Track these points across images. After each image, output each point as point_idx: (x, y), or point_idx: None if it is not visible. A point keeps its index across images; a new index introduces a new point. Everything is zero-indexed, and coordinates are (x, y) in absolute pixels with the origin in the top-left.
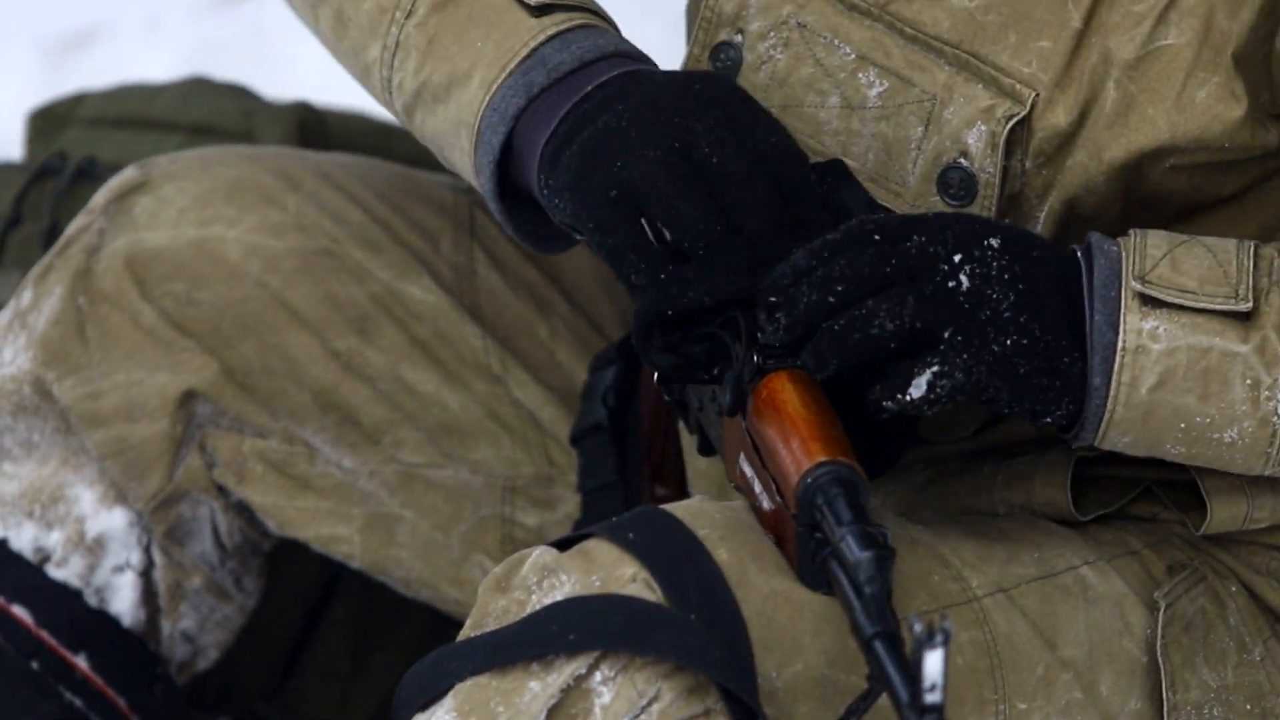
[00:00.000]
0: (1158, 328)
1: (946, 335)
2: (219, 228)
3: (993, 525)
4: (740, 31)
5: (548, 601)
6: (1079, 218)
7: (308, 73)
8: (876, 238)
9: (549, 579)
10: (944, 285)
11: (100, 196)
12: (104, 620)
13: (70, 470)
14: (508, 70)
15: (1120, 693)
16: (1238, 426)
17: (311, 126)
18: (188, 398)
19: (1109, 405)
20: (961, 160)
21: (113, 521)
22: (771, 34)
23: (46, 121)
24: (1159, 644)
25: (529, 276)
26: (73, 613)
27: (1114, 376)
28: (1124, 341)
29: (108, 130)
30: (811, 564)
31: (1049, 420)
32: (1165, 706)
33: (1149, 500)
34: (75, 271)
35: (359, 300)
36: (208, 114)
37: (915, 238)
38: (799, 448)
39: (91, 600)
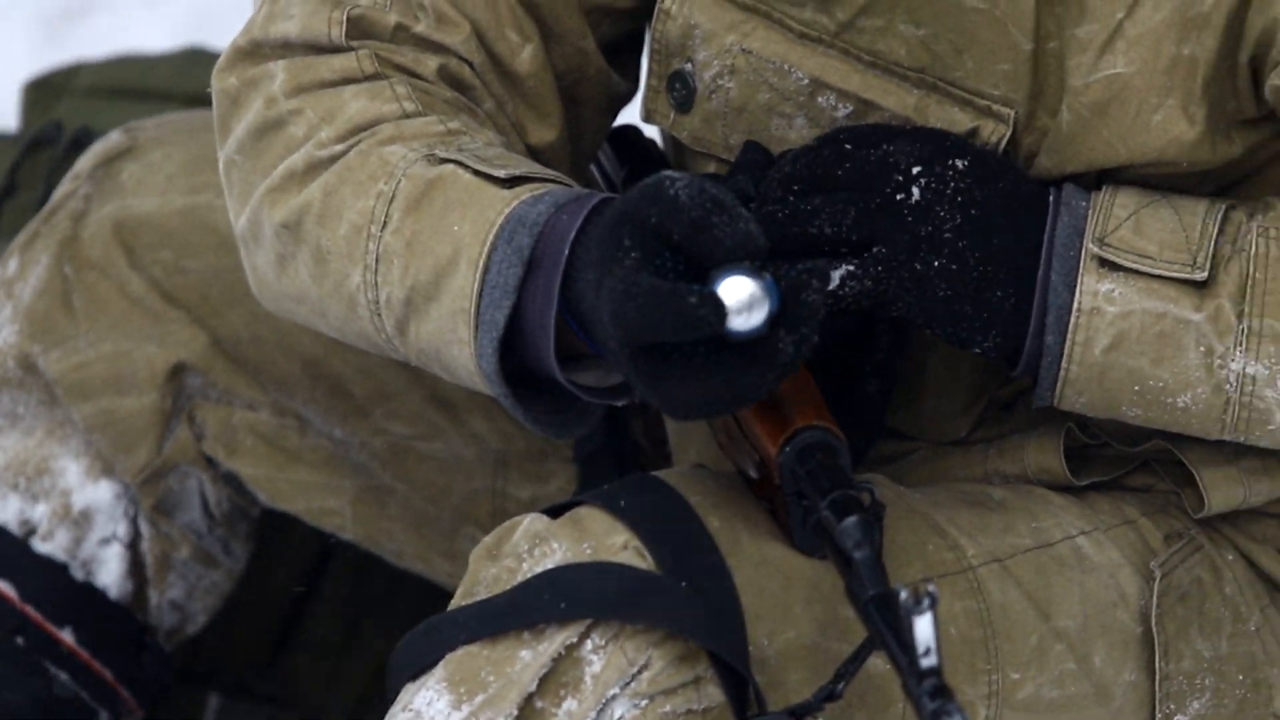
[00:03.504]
0: (1113, 290)
1: (875, 248)
2: (208, 195)
3: (989, 495)
4: (690, 59)
5: (539, 570)
6: None
7: None
8: (847, 146)
9: (540, 547)
10: (892, 197)
11: (86, 162)
12: (91, 593)
13: (56, 442)
14: (489, 243)
15: (1114, 664)
16: (1191, 392)
17: None
18: (177, 370)
19: (1063, 364)
20: None
21: (99, 494)
22: (716, 62)
23: (42, 92)
24: (1154, 614)
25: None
26: (59, 586)
27: (1068, 335)
28: (1079, 302)
29: (104, 100)
30: (803, 530)
31: (977, 350)
32: (1157, 676)
33: (1145, 472)
34: (62, 239)
35: None
36: (205, 84)
37: (884, 146)
38: (775, 416)
39: (78, 573)
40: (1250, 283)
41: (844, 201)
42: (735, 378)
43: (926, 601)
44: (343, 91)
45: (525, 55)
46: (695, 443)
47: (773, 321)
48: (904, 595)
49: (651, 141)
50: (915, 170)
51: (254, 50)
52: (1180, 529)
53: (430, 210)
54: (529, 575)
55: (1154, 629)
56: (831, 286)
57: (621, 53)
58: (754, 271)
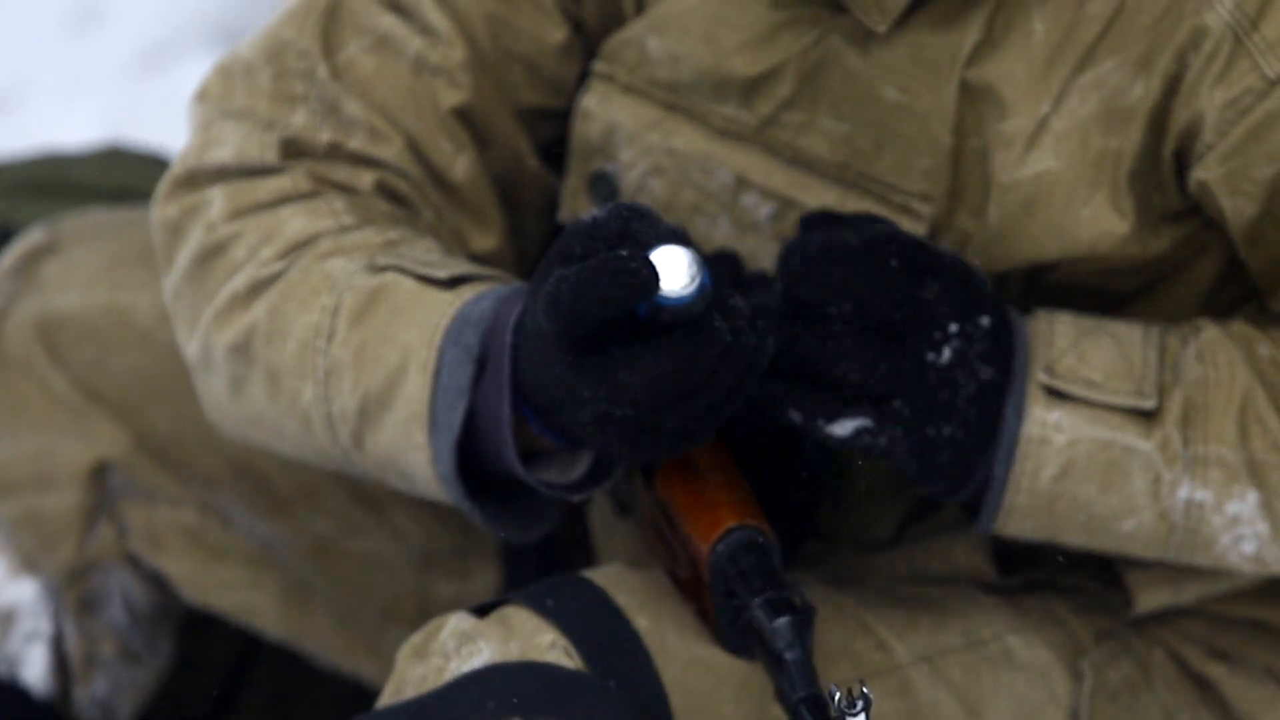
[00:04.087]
0: (1061, 420)
1: (896, 404)
2: (131, 292)
3: (919, 593)
4: (613, 159)
5: (466, 669)
6: None
7: None
8: (894, 263)
9: (467, 645)
10: (923, 355)
11: (7, 259)
12: (14, 691)
13: None
14: (437, 345)
15: None
16: (1137, 518)
17: None
18: (100, 468)
19: (1008, 494)
20: None
21: (23, 592)
22: (641, 162)
23: None
24: (1084, 713)
25: None
26: None
27: (1015, 465)
28: (1028, 432)
29: (25, 197)
30: (732, 630)
31: (949, 499)
32: None
33: (1074, 572)
34: None
35: None
36: (126, 180)
37: (929, 285)
38: (706, 514)
39: (2, 671)
40: (1191, 409)
41: (877, 355)
42: (678, 361)
43: (860, 703)
44: (280, 211)
45: (460, 164)
46: (620, 542)
47: (706, 304)
48: (837, 696)
49: None
50: (952, 329)
51: (190, 179)
52: (1110, 628)
53: (375, 319)
54: (457, 674)
55: None
56: (844, 434)
57: (557, 155)
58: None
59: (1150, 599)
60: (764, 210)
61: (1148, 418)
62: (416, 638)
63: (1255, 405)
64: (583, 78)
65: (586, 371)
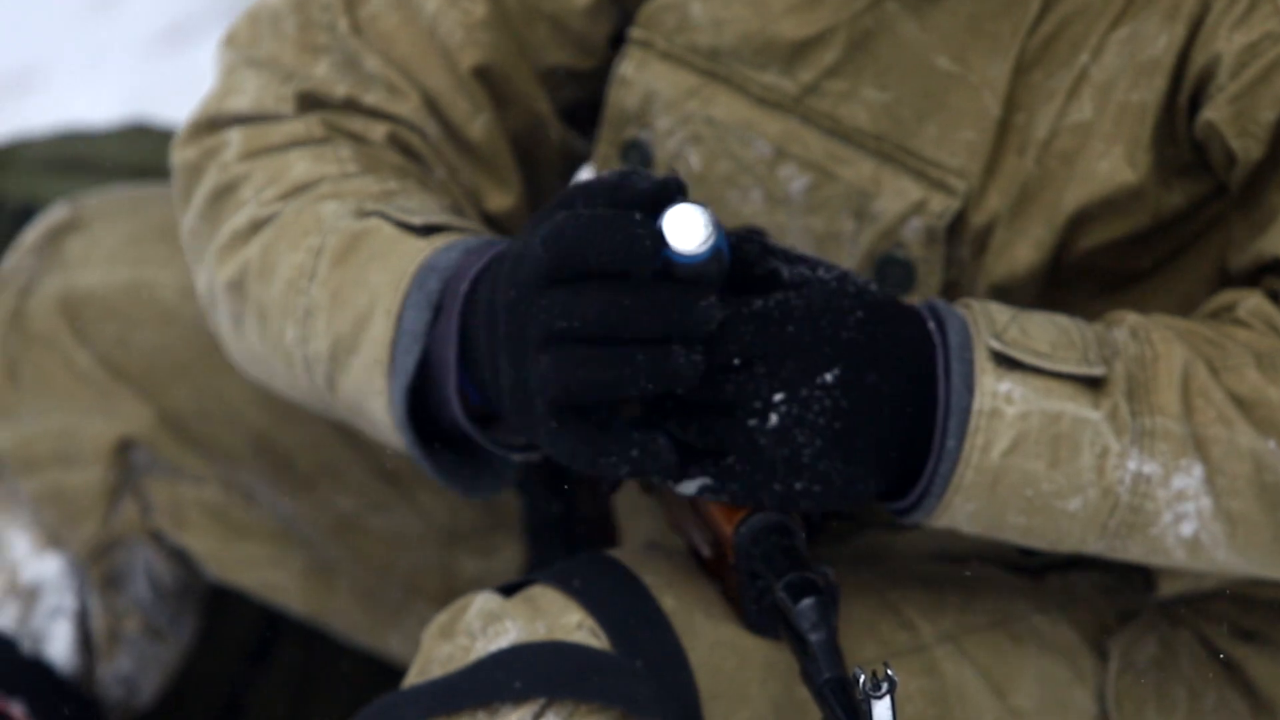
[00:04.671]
0: (1012, 390)
1: (730, 460)
2: (152, 269)
3: (945, 572)
4: (648, 127)
5: (493, 648)
6: (1006, 294)
7: None
8: (735, 359)
9: (494, 625)
10: (743, 422)
11: (30, 236)
12: (39, 667)
13: (4, 515)
14: (403, 291)
15: None
16: (1082, 495)
17: None
18: (124, 445)
19: (959, 469)
20: (898, 253)
21: (47, 567)
22: (679, 130)
23: None
24: (1110, 693)
25: None
26: (8, 659)
27: (967, 439)
28: (979, 403)
29: (48, 175)
30: (757, 611)
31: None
32: None
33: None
34: (7, 313)
35: None
36: (149, 157)
37: (753, 369)
38: None
39: (27, 647)
40: (1135, 384)
41: (691, 417)
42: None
43: (885, 685)
44: (289, 154)
45: (478, 123)
46: (645, 520)
47: (721, 269)
48: (863, 678)
49: None
50: (777, 398)
51: (210, 123)
52: (1135, 607)
53: (354, 263)
54: (483, 654)
55: (1109, 708)
56: (690, 493)
57: (580, 115)
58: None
59: (1172, 584)
60: (798, 183)
61: (1096, 386)
62: (443, 617)
63: (1197, 379)
64: (614, 40)
65: (550, 296)
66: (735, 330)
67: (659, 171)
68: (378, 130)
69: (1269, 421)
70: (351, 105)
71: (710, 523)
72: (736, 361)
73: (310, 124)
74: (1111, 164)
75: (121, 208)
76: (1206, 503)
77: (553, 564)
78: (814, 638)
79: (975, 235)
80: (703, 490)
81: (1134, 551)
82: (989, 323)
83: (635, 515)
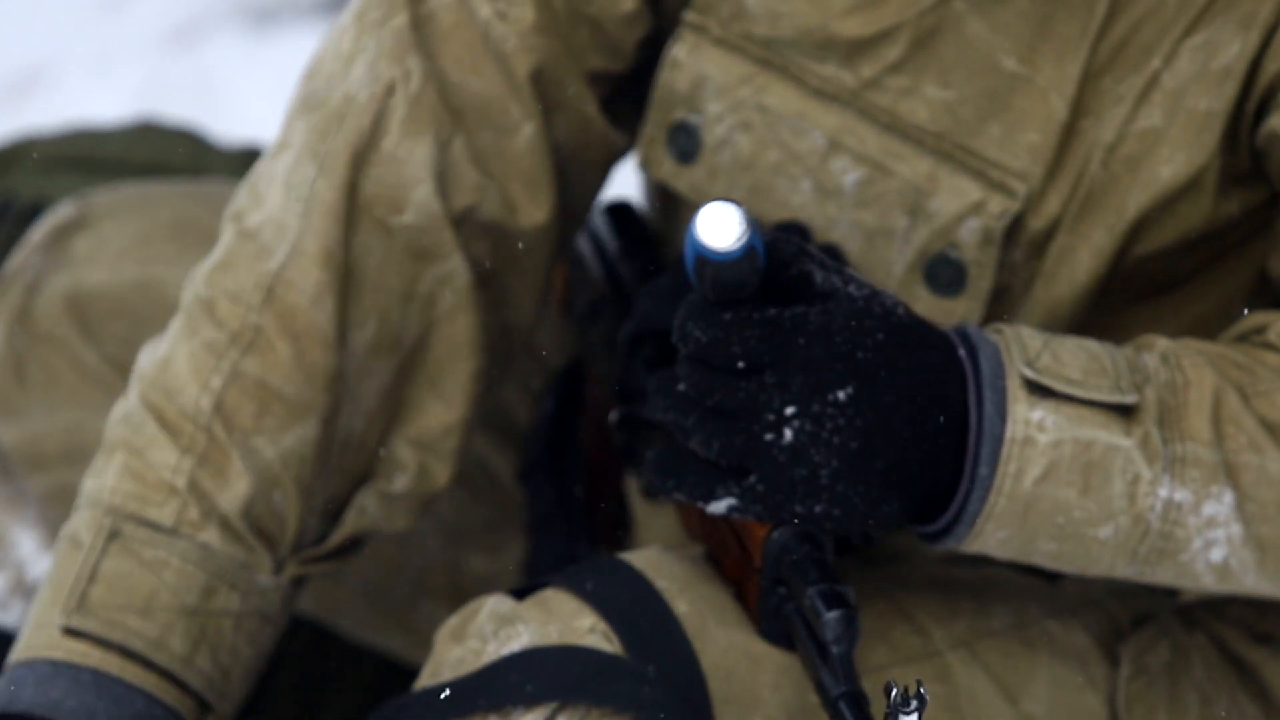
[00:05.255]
0: (1045, 418)
1: (752, 479)
2: (160, 267)
3: (958, 576)
4: (697, 111)
5: (505, 651)
6: (1060, 301)
7: (257, 113)
8: (735, 349)
9: (506, 628)
10: (760, 436)
11: (38, 233)
12: None
13: (10, 514)
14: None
15: None
16: (1114, 523)
17: None
18: None
19: (991, 497)
20: (951, 253)
21: None
22: (729, 116)
23: None
24: (1121, 698)
25: None
26: None
27: (1000, 467)
28: (1012, 432)
29: (57, 172)
30: (773, 618)
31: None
32: None
33: None
34: (14, 311)
35: None
36: (157, 155)
37: (764, 375)
38: None
39: None
40: (1165, 410)
41: (712, 431)
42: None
43: (915, 703)
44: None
45: (524, 133)
46: (661, 519)
47: (756, 272)
48: (895, 693)
49: (646, 221)
50: (789, 410)
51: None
52: (1149, 611)
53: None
54: (495, 657)
55: (1121, 713)
56: (716, 509)
57: (618, 108)
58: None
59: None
60: (851, 176)
61: (1128, 414)
62: (455, 620)
63: (1228, 405)
64: (645, 43)
65: None
66: (740, 333)
67: (707, 157)
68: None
69: None
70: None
71: (739, 526)
72: (741, 365)
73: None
74: (1174, 170)
75: (129, 205)
76: (1237, 529)
77: (554, 558)
78: (836, 650)
79: (1032, 239)
80: (731, 510)
81: (1163, 576)
82: (1021, 350)
83: (651, 513)
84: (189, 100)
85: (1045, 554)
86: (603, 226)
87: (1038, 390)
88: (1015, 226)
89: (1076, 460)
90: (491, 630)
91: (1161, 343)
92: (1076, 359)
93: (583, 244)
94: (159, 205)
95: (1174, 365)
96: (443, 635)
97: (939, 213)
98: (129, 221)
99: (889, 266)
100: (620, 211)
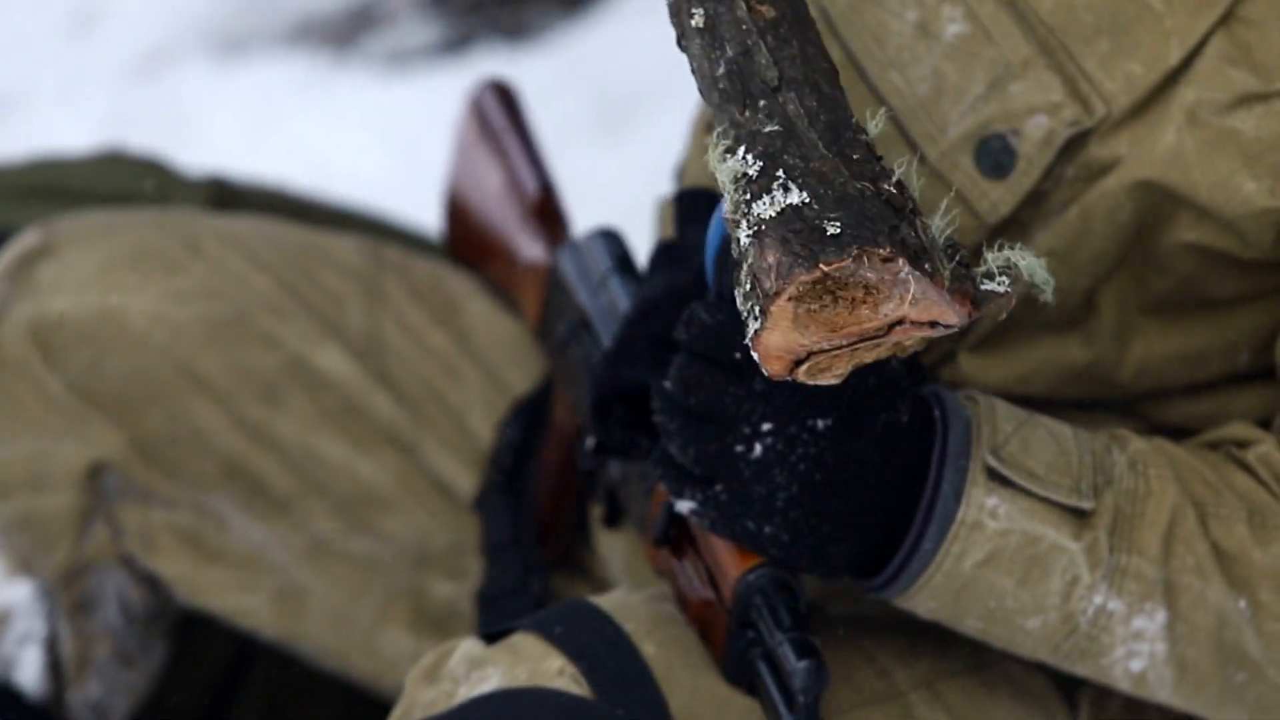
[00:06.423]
0: (999, 506)
1: (718, 488)
2: (123, 295)
3: (918, 617)
4: None
5: (475, 694)
6: (1087, 234)
7: (225, 143)
8: (738, 355)
9: (477, 671)
10: (731, 447)
11: (2, 262)
12: (9, 693)
13: None
14: None
15: None
16: (1044, 617)
17: (226, 199)
18: (96, 469)
19: (929, 571)
20: (1011, 139)
21: (17, 593)
22: None
23: None
24: None
25: (438, 342)
26: None
27: (944, 545)
28: (964, 514)
29: (22, 201)
30: (738, 661)
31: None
32: None
33: None
34: None
35: (267, 369)
36: (123, 184)
37: (749, 385)
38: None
39: None
40: (1121, 518)
41: (689, 437)
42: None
43: None
44: None
45: None
46: (619, 549)
47: None
48: None
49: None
50: (765, 426)
51: None
52: None
53: None
54: (465, 699)
55: None
56: (684, 511)
57: None
58: None
59: None
60: (955, 27)
61: (1081, 517)
62: (426, 661)
63: (1184, 525)
64: None
65: None
66: (739, 331)
67: None
68: None
69: (1244, 581)
70: None
71: (716, 564)
72: (737, 356)
73: None
74: (1258, 188)
75: (93, 232)
76: (1162, 648)
77: (508, 585)
78: (804, 699)
79: (1088, 163)
80: (692, 513)
81: (1080, 671)
82: (992, 432)
83: (610, 540)
84: (156, 129)
85: (972, 629)
86: (589, 252)
87: (997, 478)
88: (1079, 142)
89: (1021, 552)
90: (463, 672)
91: (1135, 444)
92: (1045, 450)
93: (565, 267)
94: (123, 232)
95: (1140, 473)
96: (414, 676)
97: (1016, 97)
98: (93, 249)
99: (945, 124)
100: (608, 238)
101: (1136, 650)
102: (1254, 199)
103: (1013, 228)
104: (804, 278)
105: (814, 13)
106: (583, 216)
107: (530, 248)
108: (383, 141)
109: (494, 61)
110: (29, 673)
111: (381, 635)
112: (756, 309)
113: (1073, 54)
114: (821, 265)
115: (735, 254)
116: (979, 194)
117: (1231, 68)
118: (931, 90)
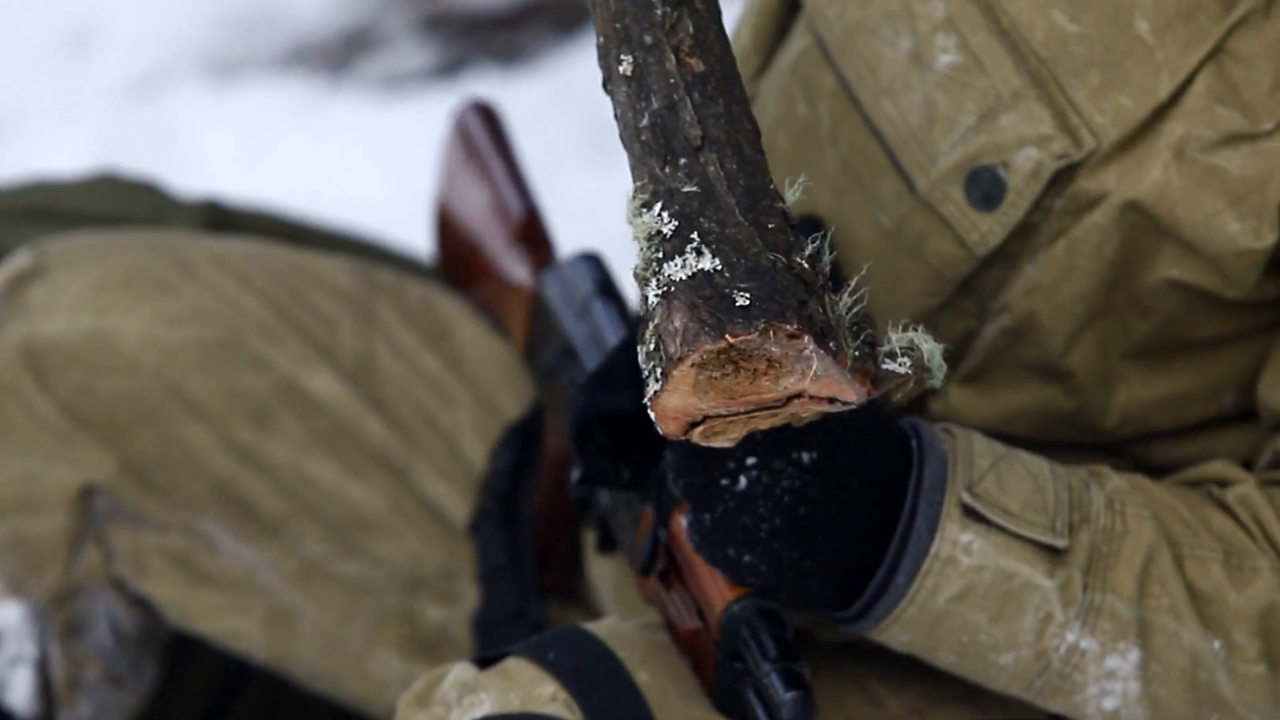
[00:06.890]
0: (973, 542)
1: (705, 517)
2: (115, 317)
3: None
4: None
5: (468, 719)
6: (1073, 269)
7: (218, 166)
8: None
9: (469, 696)
10: (716, 480)
11: None
12: (0, 714)
13: None
14: None
15: None
16: (1016, 653)
17: (220, 222)
18: (86, 492)
19: (902, 604)
20: (1000, 171)
21: (8, 615)
22: None
23: None
24: None
25: (429, 365)
26: None
27: (917, 579)
28: (937, 548)
29: (15, 223)
30: (728, 691)
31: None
32: None
33: None
34: None
35: (258, 392)
36: (116, 208)
37: None
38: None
39: None
40: (1096, 556)
41: (679, 470)
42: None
43: None
44: None
45: None
46: (611, 576)
47: None
48: None
49: (609, 270)
50: (749, 460)
51: None
52: None
53: None
54: None
55: None
56: (682, 530)
57: None
58: None
59: None
60: (948, 58)
61: (1055, 555)
62: (419, 686)
63: (1159, 565)
64: None
65: None
66: None
67: None
68: None
69: (1219, 622)
70: None
71: (702, 594)
72: None
73: None
74: (1242, 229)
75: (86, 254)
76: (1134, 686)
77: (505, 610)
78: None
79: (1076, 196)
80: (686, 529)
81: (1054, 706)
82: (968, 468)
83: (602, 565)
84: (151, 151)
85: (945, 663)
86: (571, 276)
87: (972, 514)
88: (1067, 175)
89: (994, 589)
90: (455, 698)
91: (1113, 481)
92: (1021, 487)
93: (548, 291)
94: (115, 254)
95: (1117, 511)
96: (407, 700)
97: (1006, 129)
98: (85, 270)
99: (936, 154)
100: (590, 261)
101: (1109, 689)
102: (1237, 239)
103: (1002, 260)
104: (709, 347)
105: (810, 40)
106: (574, 241)
107: (516, 270)
108: (377, 165)
109: (487, 85)
110: (20, 694)
111: (372, 658)
112: (659, 370)
113: (1063, 86)
114: (728, 336)
115: (641, 310)
116: (968, 225)
117: (1220, 105)
118: (923, 120)
